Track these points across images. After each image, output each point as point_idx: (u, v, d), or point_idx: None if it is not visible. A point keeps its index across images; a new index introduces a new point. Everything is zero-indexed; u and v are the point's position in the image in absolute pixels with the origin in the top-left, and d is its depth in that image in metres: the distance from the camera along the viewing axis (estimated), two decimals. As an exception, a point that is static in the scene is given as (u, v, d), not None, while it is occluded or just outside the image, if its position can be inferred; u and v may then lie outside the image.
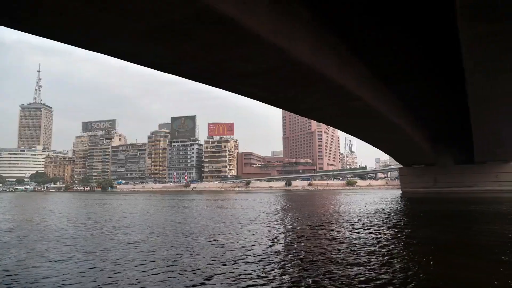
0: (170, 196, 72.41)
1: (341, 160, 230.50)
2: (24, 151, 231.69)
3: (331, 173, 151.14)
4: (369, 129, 29.74)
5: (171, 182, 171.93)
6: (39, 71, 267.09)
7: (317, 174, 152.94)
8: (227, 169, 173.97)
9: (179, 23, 9.07)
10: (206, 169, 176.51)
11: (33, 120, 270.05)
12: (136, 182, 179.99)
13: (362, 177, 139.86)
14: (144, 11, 8.24)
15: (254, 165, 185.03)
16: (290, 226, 19.86)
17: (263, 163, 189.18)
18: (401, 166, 59.93)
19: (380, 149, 43.87)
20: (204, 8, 8.40)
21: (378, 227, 18.29)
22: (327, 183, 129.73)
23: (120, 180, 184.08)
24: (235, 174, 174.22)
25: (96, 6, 7.86)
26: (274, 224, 20.52)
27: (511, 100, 19.98)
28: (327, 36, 14.91)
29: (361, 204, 35.70)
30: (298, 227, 19.00)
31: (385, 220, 21.58)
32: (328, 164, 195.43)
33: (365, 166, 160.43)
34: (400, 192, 60.09)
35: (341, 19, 14.73)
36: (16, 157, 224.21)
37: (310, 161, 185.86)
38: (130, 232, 17.72)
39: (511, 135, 32.17)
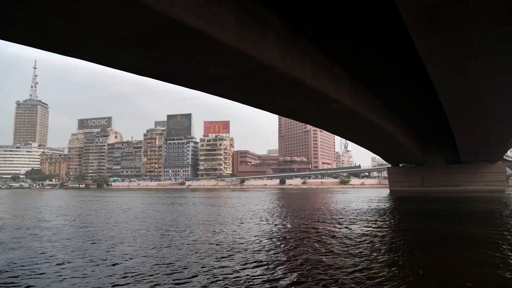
0: (163, 194, 72.98)
1: (336, 158, 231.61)
2: (19, 148, 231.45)
3: (325, 171, 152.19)
4: (351, 130, 30.52)
5: (166, 179, 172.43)
6: (35, 68, 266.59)
7: (311, 172, 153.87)
8: (222, 167, 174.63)
9: (144, 33, 9.75)
10: (201, 167, 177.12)
11: (29, 117, 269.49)
12: (132, 179, 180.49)
13: (356, 175, 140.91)
14: (108, 23, 8.91)
15: (250, 163, 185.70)
16: (277, 224, 20.52)
17: (258, 162, 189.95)
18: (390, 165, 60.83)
19: (367, 149, 44.65)
20: (166, 21, 9.05)
21: (352, 224, 19.02)
22: (321, 182, 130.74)
23: (115, 178, 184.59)
24: (231, 172, 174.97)
25: (64, 19, 8.53)
26: (263, 222, 21.15)
27: (482, 102, 20.70)
28: (299, 41, 15.61)
29: (347, 203, 36.51)
30: (284, 225, 19.70)
31: (362, 218, 22.31)
32: (323, 163, 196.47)
33: (359, 165, 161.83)
34: (389, 191, 61.03)
35: (314, 25, 15.43)
36: (12, 154, 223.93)
37: (305, 159, 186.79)
38: (102, 230, 18.36)
39: (491, 136, 32.99)
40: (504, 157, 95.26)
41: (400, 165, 58.00)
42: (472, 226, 18.49)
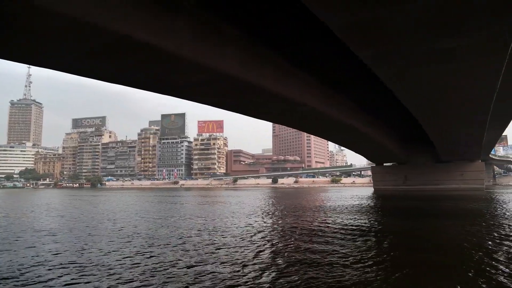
0: (154, 193, 73.89)
1: (330, 158, 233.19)
2: (13, 147, 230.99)
3: (317, 170, 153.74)
4: (325, 131, 31.74)
5: (160, 179, 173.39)
6: (29, 67, 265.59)
7: (304, 171, 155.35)
8: (216, 167, 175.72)
9: (105, 47, 10.88)
10: (195, 166, 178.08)
11: (23, 116, 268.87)
12: (126, 179, 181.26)
13: (348, 174, 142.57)
14: (73, 40, 10.05)
15: (243, 163, 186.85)
16: (261, 221, 21.62)
17: (252, 161, 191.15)
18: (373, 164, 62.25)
19: (349, 149, 45.92)
20: (121, 38, 10.19)
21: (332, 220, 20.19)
22: (313, 181, 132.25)
23: (110, 177, 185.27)
24: (224, 172, 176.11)
25: (25, 34, 9.66)
26: (249, 220, 22.22)
27: (440, 105, 21.97)
28: (261, 50, 16.72)
29: (329, 201, 37.71)
30: (260, 222, 20.82)
31: (344, 214, 23.49)
32: (316, 162, 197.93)
33: (351, 164, 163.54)
34: (373, 189, 62.45)
35: (275, 35, 16.56)
36: (6, 154, 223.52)
37: (298, 158, 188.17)
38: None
39: (462, 137, 34.32)
40: (490, 155, 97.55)
41: (384, 164, 59.40)
42: (423, 221, 19.72)
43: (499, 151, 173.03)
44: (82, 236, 14.95)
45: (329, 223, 18.36)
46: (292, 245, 12.32)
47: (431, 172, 53.69)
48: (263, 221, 20.13)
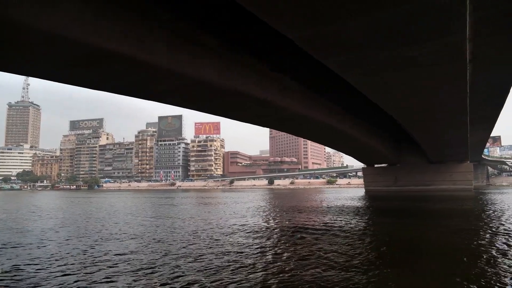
0: (150, 195, 74.49)
1: (327, 159, 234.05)
2: (11, 149, 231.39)
3: (313, 171, 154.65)
4: (310, 133, 32.50)
5: (157, 180, 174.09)
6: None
7: (300, 173, 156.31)
8: (213, 168, 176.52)
9: (85, 58, 11.64)
10: (192, 168, 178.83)
11: (21, 118, 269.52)
12: (124, 180, 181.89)
13: (344, 175, 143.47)
14: (47, 52, 10.83)
15: (240, 164, 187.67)
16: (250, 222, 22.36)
17: (249, 162, 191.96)
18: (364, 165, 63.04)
19: (338, 151, 46.66)
20: (98, 49, 10.96)
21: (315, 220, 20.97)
22: (309, 182, 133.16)
23: (107, 179, 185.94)
24: (221, 173, 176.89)
25: (7, 46, 10.43)
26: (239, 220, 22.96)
27: (416, 108, 22.76)
28: (240, 57, 17.47)
29: (320, 201, 38.49)
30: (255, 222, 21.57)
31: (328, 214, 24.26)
32: (313, 163, 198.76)
33: (346, 165, 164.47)
34: (364, 190, 63.27)
35: (253, 43, 17.33)
36: (3, 156, 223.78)
37: (295, 160, 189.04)
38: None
39: (445, 139, 35.13)
40: (483, 156, 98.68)
41: (375, 165, 60.21)
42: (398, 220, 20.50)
43: (495, 151, 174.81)
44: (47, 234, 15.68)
45: (307, 223, 19.12)
46: (269, 245, 13.07)
47: (421, 173, 54.47)
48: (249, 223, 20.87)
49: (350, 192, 66.65)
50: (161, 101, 18.38)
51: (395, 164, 56.90)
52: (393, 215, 24.71)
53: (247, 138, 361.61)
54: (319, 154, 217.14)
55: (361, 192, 64.78)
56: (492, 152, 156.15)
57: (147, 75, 13.77)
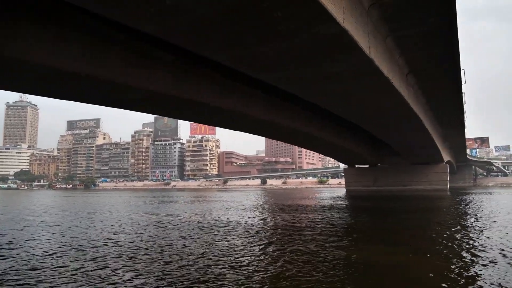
0: (144, 194, 76.39)
1: (322, 159, 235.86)
2: (9, 149, 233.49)
3: (306, 171, 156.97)
4: (280, 137, 34.62)
5: (153, 180, 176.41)
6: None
7: (293, 173, 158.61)
8: (208, 168, 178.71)
9: (52, 76, 13.76)
10: (188, 168, 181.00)
11: (19, 118, 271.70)
12: (120, 180, 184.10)
13: (336, 175, 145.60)
14: (17, 74, 12.99)
15: (235, 164, 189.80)
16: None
17: (244, 162, 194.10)
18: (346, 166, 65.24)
19: (318, 152, 48.76)
20: (59, 69, 13.09)
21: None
22: (301, 182, 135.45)
23: (104, 178, 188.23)
24: (217, 173, 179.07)
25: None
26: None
27: (366, 114, 24.90)
28: (197, 69, 19.54)
29: (308, 199, 40.63)
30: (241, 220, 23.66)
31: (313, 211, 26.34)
32: (308, 163, 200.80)
33: (338, 165, 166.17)
34: (345, 190, 65.50)
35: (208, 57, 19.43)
36: (1, 155, 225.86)
37: (290, 160, 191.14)
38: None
39: (412, 141, 37.24)
40: (468, 157, 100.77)
41: (357, 166, 62.37)
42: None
43: (491, 152, 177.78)
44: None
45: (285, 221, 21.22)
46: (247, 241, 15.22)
47: (399, 174, 56.57)
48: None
49: (336, 191, 68.89)
50: (130, 109, 20.47)
51: (375, 165, 59.09)
52: (362, 211, 26.74)
53: (244, 138, 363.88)
54: (314, 155, 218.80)
55: (343, 191, 66.96)
56: (481, 153, 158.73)
57: (109, 89, 15.87)
